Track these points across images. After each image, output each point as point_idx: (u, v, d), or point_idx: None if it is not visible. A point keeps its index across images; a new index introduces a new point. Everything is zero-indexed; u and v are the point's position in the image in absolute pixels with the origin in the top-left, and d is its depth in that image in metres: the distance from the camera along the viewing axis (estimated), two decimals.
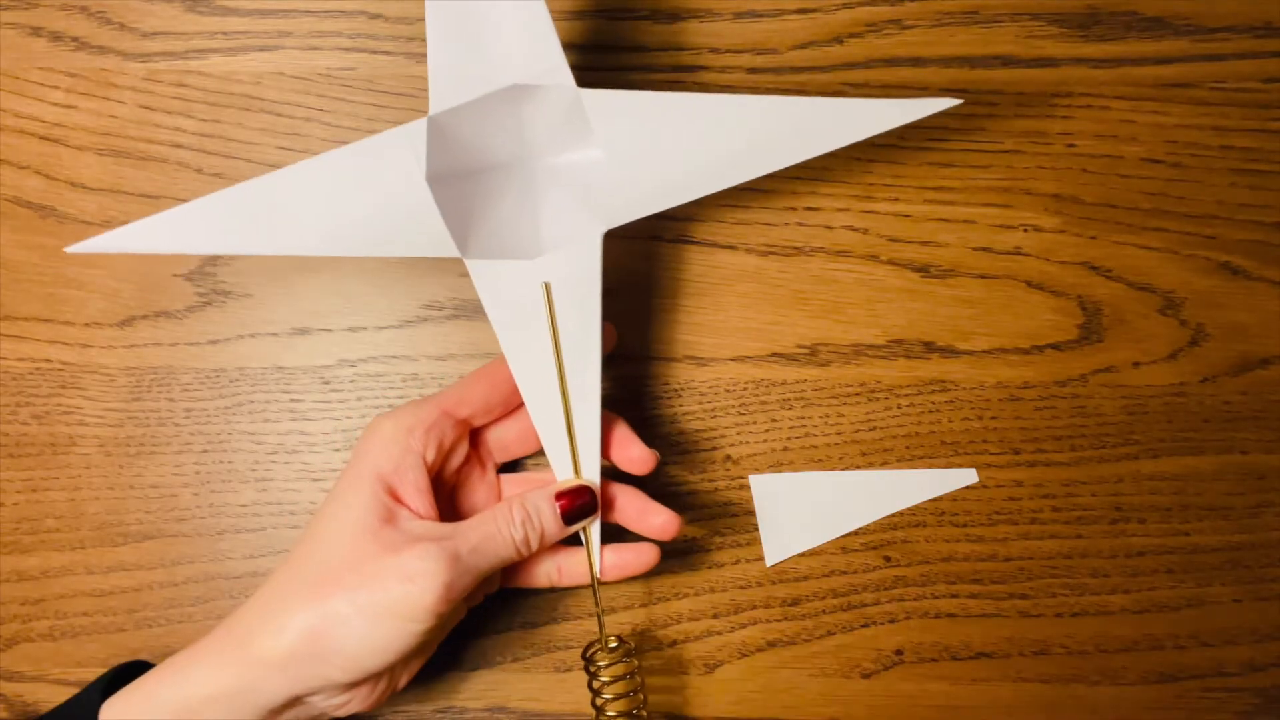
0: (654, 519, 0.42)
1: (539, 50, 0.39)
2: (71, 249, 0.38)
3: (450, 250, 0.39)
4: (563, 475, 0.41)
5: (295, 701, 0.38)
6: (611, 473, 0.42)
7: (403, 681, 0.41)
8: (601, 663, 0.42)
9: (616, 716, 0.41)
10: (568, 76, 0.39)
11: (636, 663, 0.42)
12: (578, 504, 0.40)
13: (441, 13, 0.38)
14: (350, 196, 0.39)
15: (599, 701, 0.41)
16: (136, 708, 0.37)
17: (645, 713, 0.42)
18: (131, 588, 0.46)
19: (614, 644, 0.42)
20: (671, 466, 0.46)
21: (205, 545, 0.46)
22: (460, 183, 0.41)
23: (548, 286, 0.40)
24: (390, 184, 0.39)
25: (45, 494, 0.46)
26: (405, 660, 0.39)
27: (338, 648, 0.36)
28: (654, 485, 0.45)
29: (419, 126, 0.38)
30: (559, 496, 0.40)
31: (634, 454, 0.42)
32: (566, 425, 0.40)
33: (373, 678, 0.38)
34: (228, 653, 0.37)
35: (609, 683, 0.41)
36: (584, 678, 0.42)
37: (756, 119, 0.39)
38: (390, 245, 0.39)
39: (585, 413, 0.40)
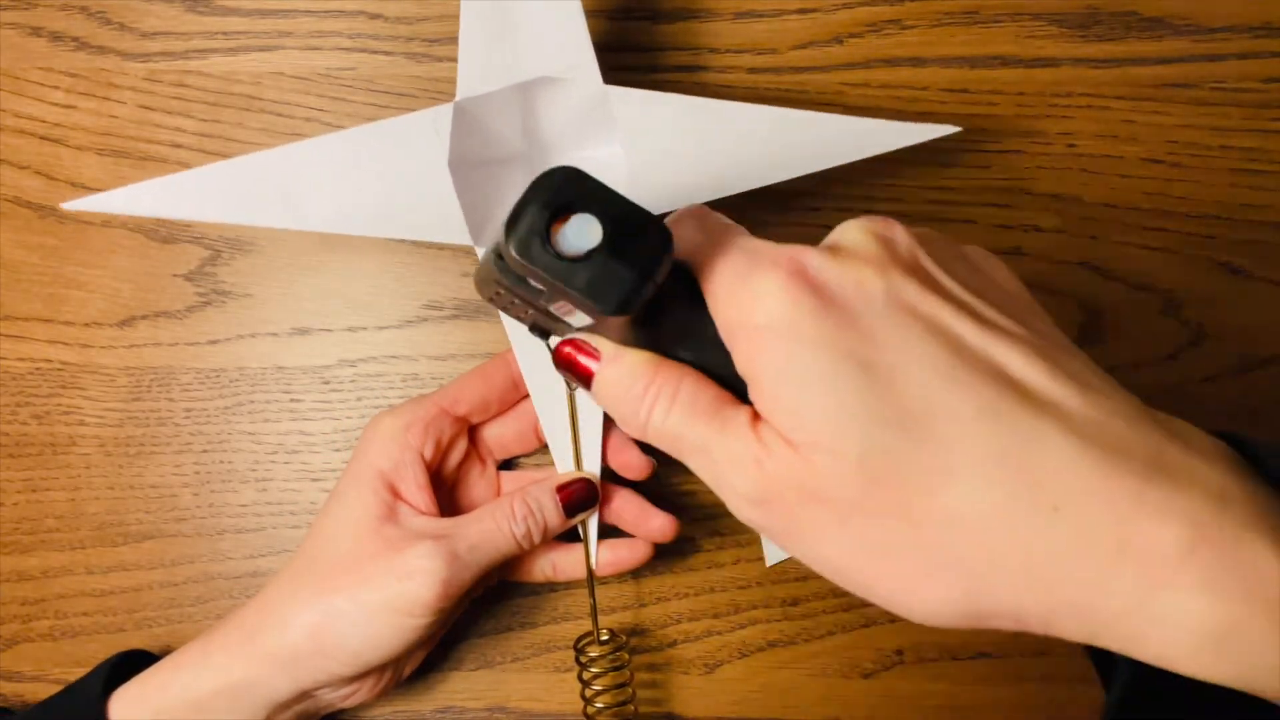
0: (652, 522, 0.42)
1: (569, 45, 0.39)
2: (69, 205, 0.38)
3: (463, 237, 0.39)
4: (564, 467, 0.41)
5: (303, 695, 0.39)
6: (609, 476, 0.43)
7: (407, 671, 0.42)
8: (593, 654, 0.42)
9: (604, 709, 0.41)
10: (595, 73, 0.39)
11: (628, 656, 0.42)
12: (578, 495, 0.40)
13: (477, 2, 0.38)
14: (370, 174, 0.39)
15: (588, 694, 0.42)
16: (149, 700, 0.38)
17: (634, 707, 0.42)
18: (131, 588, 0.46)
19: (605, 637, 0.42)
20: (672, 465, 0.46)
21: (205, 545, 0.46)
22: (477, 171, 0.41)
23: None
24: (412, 165, 0.39)
25: (45, 494, 0.46)
26: (408, 652, 0.39)
27: (340, 643, 0.37)
28: (654, 484, 0.45)
29: (445, 110, 0.39)
30: (560, 489, 0.40)
31: (631, 459, 0.42)
32: (570, 417, 0.41)
33: (376, 670, 0.39)
34: (235, 648, 0.38)
35: (599, 675, 0.42)
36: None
37: (775, 129, 0.40)
38: (404, 227, 0.39)
39: (589, 405, 0.41)
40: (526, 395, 0.42)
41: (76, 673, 0.42)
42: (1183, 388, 0.47)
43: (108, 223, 0.46)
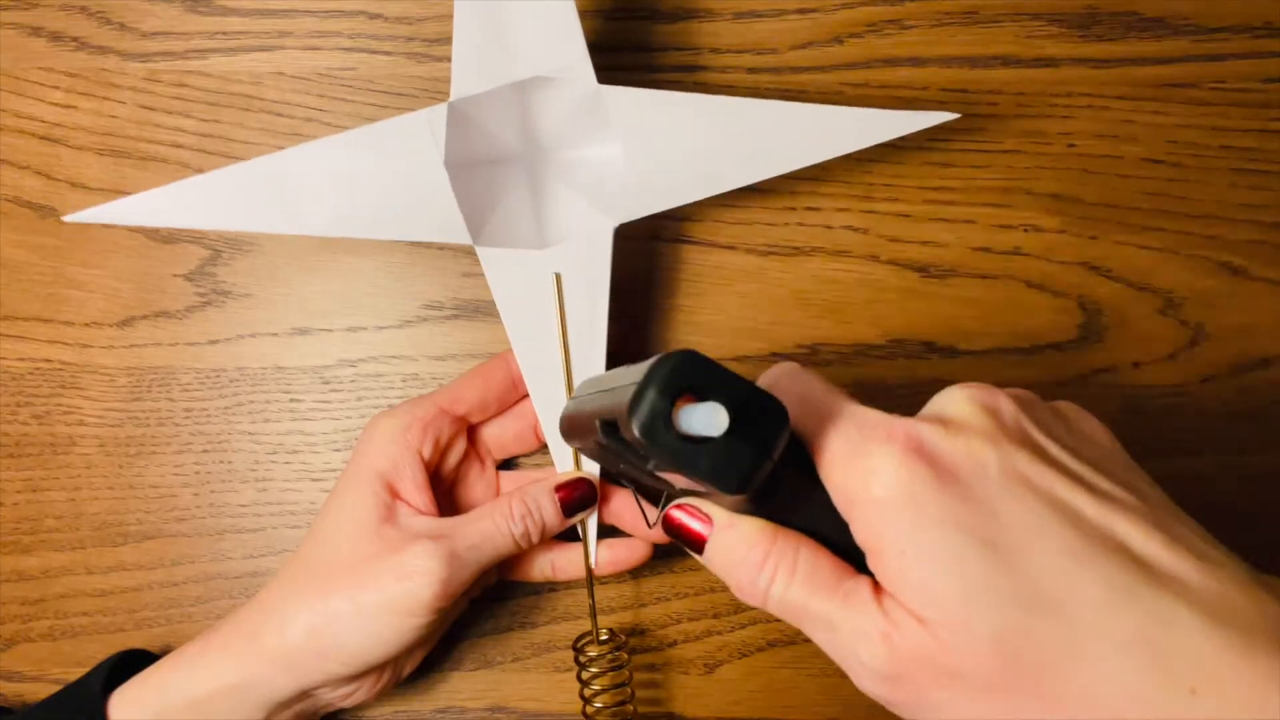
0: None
1: (563, 45, 0.39)
2: (70, 217, 0.39)
3: (462, 236, 0.39)
4: (563, 466, 0.41)
5: (302, 695, 0.39)
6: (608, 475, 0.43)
7: (406, 671, 0.42)
8: (592, 654, 0.42)
9: (603, 709, 0.41)
10: (590, 72, 0.39)
11: (627, 656, 0.42)
12: (577, 495, 0.40)
13: (471, 1, 0.38)
14: (366, 176, 0.39)
15: (587, 693, 0.42)
16: (148, 699, 0.38)
17: (633, 706, 0.42)
18: (131, 588, 0.46)
19: (605, 637, 0.42)
20: None
21: (205, 545, 0.46)
22: (473, 172, 0.41)
23: (558, 277, 0.40)
24: (408, 165, 0.39)
25: (45, 494, 0.46)
26: (407, 652, 0.39)
27: (339, 644, 0.37)
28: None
29: (440, 110, 0.39)
30: (559, 488, 0.40)
31: None
32: None
33: (376, 670, 0.39)
34: (235, 648, 0.38)
35: (598, 674, 0.42)
36: None
37: (771, 122, 0.40)
38: (402, 229, 0.39)
39: None
40: (526, 395, 0.42)
41: (76, 673, 0.42)
42: (1183, 388, 0.47)
43: (108, 223, 0.46)
